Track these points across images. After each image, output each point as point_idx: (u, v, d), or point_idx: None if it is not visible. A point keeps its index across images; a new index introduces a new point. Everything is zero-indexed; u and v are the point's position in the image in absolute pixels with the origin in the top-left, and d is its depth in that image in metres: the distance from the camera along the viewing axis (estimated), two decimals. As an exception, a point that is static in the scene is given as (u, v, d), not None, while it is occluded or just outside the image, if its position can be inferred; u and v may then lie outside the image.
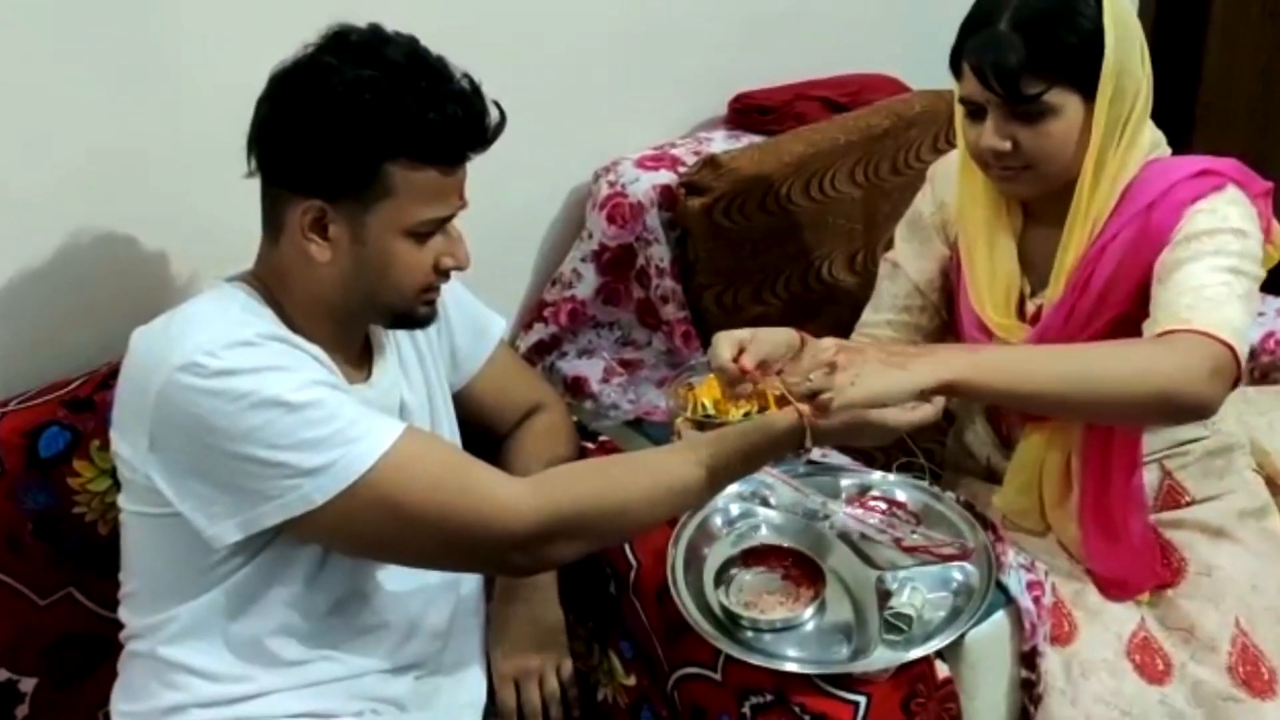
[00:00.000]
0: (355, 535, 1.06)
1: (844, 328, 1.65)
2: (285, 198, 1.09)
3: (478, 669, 1.27)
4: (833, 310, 1.80)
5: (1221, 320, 1.14)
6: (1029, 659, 1.25)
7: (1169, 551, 1.40)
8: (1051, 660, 1.29)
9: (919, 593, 1.18)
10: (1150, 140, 1.28)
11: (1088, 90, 1.22)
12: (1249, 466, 1.47)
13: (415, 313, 1.15)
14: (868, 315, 1.51)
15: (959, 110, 1.29)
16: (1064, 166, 1.26)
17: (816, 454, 1.45)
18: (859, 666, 1.12)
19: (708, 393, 1.39)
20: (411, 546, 1.07)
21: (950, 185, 1.40)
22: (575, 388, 1.73)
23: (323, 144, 1.05)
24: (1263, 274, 1.23)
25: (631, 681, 1.33)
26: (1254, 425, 1.54)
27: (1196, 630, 1.32)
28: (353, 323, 1.16)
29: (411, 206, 1.08)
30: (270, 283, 1.14)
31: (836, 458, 1.44)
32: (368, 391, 1.20)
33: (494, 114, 1.11)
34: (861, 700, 1.11)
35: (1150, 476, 1.41)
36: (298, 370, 1.05)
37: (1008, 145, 1.24)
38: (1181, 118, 2.59)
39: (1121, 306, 1.27)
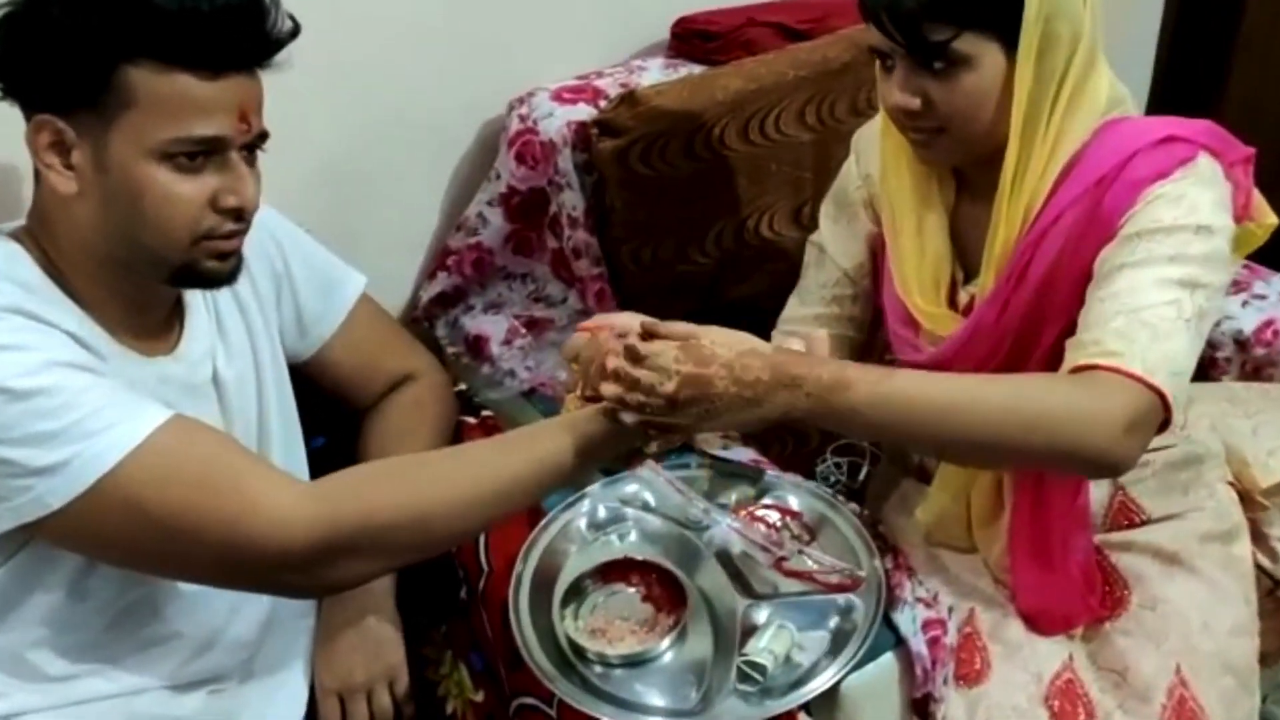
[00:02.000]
0: (104, 544, 0.91)
1: (785, 288, 1.45)
2: (29, 122, 0.92)
3: (298, 679, 1.13)
4: (772, 269, 1.59)
5: (1159, 359, 0.94)
6: (921, 706, 1.08)
7: (1113, 579, 1.20)
8: (954, 704, 1.11)
9: (784, 634, 1.01)
10: (1106, 98, 1.05)
11: (1010, 38, 0.99)
12: (1221, 479, 1.27)
13: (197, 266, 0.97)
14: (792, 309, 1.31)
15: (877, 64, 1.08)
16: (985, 129, 1.04)
17: (718, 446, 1.27)
18: (695, 725, 0.96)
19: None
20: (170, 559, 0.92)
21: (875, 154, 1.19)
22: (475, 348, 1.56)
23: (41, 41, 0.89)
24: (1227, 277, 1.01)
25: (480, 698, 1.18)
26: (1235, 429, 1.33)
27: (1130, 674, 1.13)
28: (133, 279, 0.98)
29: (157, 120, 0.90)
30: (38, 233, 0.98)
31: (739, 452, 1.26)
32: (170, 365, 1.04)
33: (283, 21, 0.93)
34: (699, 762, 0.95)
35: (1099, 491, 1.21)
36: (32, 350, 0.89)
37: (916, 103, 1.03)
38: (1219, 51, 2.31)
39: (1070, 312, 1.06)
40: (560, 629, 1.06)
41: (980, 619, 1.18)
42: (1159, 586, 1.18)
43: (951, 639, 1.11)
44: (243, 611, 1.08)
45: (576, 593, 1.09)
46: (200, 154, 0.93)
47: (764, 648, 0.99)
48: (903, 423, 0.93)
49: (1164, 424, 0.97)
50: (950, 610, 1.12)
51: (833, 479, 1.46)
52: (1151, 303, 0.97)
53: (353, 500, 0.91)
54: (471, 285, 1.58)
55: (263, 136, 0.98)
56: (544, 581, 1.11)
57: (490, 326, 1.56)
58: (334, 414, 1.29)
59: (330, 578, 0.92)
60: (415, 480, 0.94)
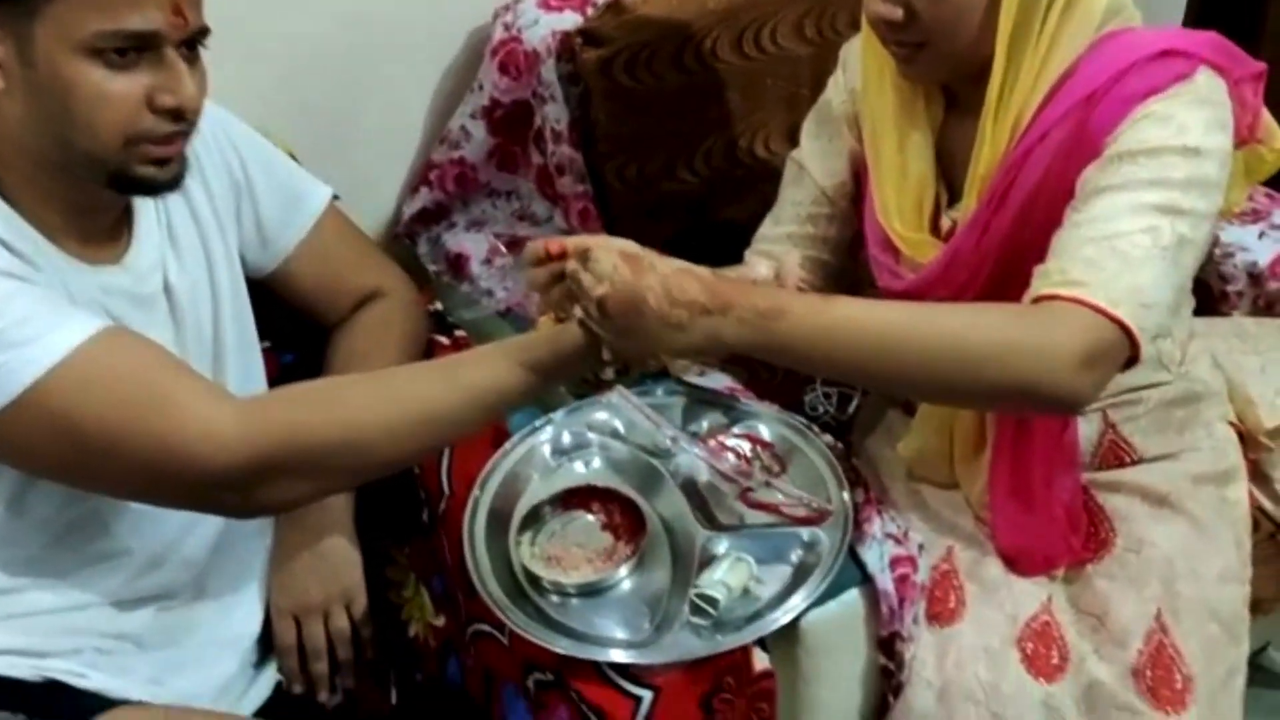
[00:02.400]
0: (34, 458, 0.88)
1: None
2: None
3: (253, 599, 1.11)
4: (765, 190, 1.51)
5: (1127, 290, 0.88)
6: (888, 646, 1.04)
7: (1098, 520, 1.15)
8: (924, 644, 1.08)
9: (742, 567, 0.97)
10: (1103, 7, 0.97)
11: None
12: (1221, 418, 1.21)
13: (131, 170, 0.92)
14: (766, 228, 1.25)
15: None
16: (969, 44, 0.97)
17: (694, 374, 1.23)
18: (641, 657, 0.92)
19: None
20: (101, 475, 0.89)
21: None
22: (456, 266, 1.51)
23: None
24: (1217, 203, 0.94)
25: (440, 622, 1.16)
26: (1241, 366, 1.27)
27: (1109, 619, 1.09)
28: (70, 182, 0.94)
29: (83, 11, 0.85)
30: None
31: (714, 379, 1.22)
32: (117, 275, 1.00)
33: None
34: (645, 695, 0.92)
35: (1088, 428, 1.16)
36: None
37: (899, 14, 0.96)
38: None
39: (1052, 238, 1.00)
40: (515, 556, 1.03)
41: (958, 557, 1.14)
42: (1145, 529, 1.13)
43: (922, 576, 1.07)
44: (196, 529, 1.05)
45: (535, 519, 1.06)
46: (132, 49, 0.87)
47: (718, 580, 0.95)
48: (839, 356, 0.88)
49: (1131, 360, 0.91)
50: (921, 548, 1.08)
51: (821, 409, 1.41)
52: (1126, 230, 0.91)
53: (282, 420, 0.87)
54: (454, 201, 1.53)
55: (203, 32, 0.92)
56: (503, 507, 1.08)
57: (471, 245, 1.51)
58: (304, 330, 1.25)
59: (267, 498, 0.88)
60: (344, 402, 0.89)
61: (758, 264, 0.95)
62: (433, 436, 0.92)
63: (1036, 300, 0.91)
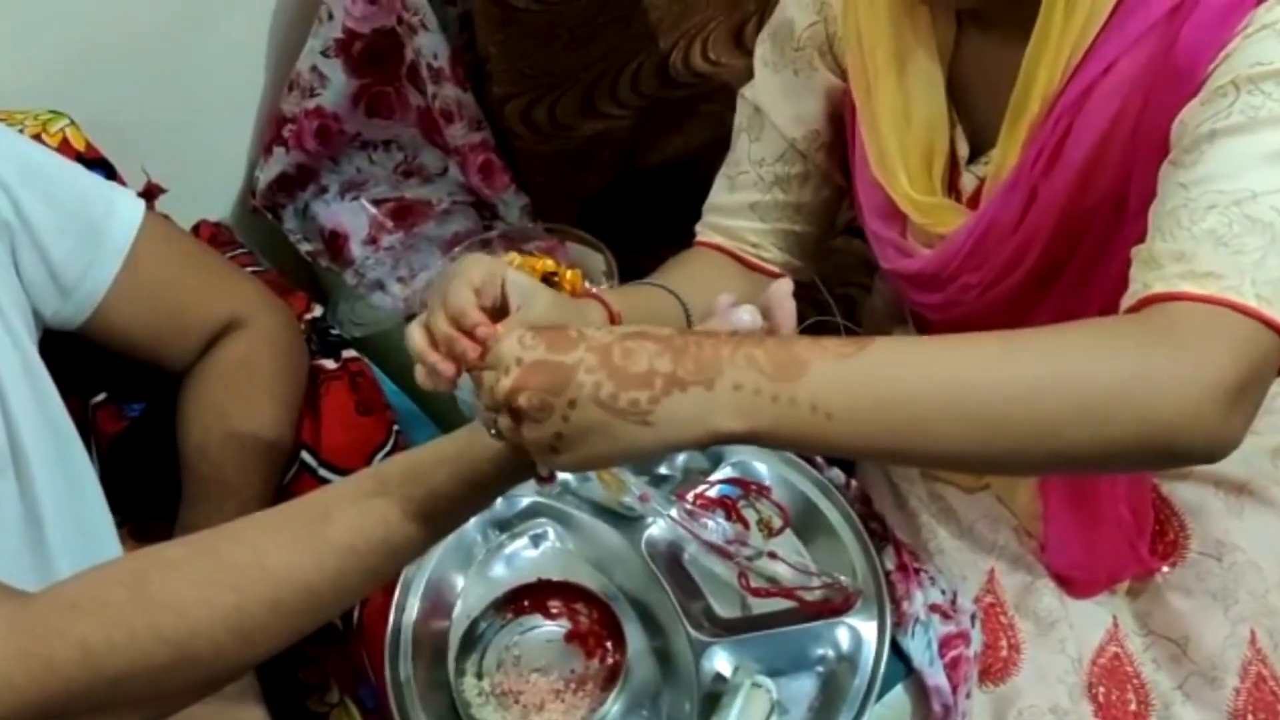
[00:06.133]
0: None
1: (730, 137, 1.10)
2: None
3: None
4: (714, 113, 1.23)
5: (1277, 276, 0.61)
6: (938, 734, 0.84)
7: (1165, 518, 0.95)
8: (977, 711, 0.87)
9: (759, 699, 0.73)
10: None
11: None
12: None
13: None
14: (719, 196, 0.95)
15: None
16: None
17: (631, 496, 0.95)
18: None
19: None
20: None
21: None
22: (334, 246, 1.21)
23: None
24: None
25: (378, 740, 0.93)
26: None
27: (1192, 647, 0.89)
28: None
29: None
30: None
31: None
32: None
33: None
34: None
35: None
36: None
37: None
38: None
39: (1119, 206, 0.74)
40: (457, 695, 0.78)
41: (1002, 585, 0.93)
42: (1224, 529, 0.92)
43: (975, 647, 0.85)
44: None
45: (476, 636, 0.81)
46: None
47: (734, 734, 0.72)
48: (895, 414, 0.57)
49: None
50: (974, 618, 0.85)
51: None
52: (1263, 188, 0.63)
53: (74, 642, 0.59)
54: (320, 161, 1.22)
55: None
56: (433, 619, 0.83)
57: (348, 217, 1.21)
58: (152, 371, 0.96)
59: None
60: (163, 600, 0.61)
61: (734, 313, 0.66)
62: (301, 621, 0.64)
63: (1144, 302, 0.63)
